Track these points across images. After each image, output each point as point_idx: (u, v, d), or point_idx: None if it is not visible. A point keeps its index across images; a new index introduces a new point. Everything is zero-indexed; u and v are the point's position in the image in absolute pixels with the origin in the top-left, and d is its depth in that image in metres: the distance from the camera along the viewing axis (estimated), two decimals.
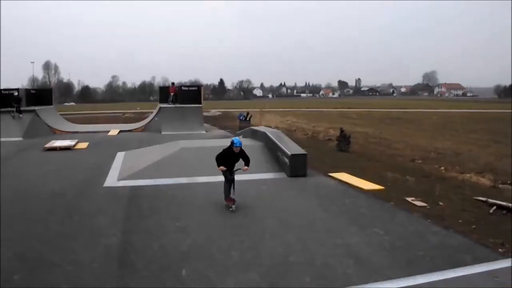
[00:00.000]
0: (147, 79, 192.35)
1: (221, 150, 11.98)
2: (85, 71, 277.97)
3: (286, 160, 16.11)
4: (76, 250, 8.75)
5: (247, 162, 11.87)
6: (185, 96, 36.49)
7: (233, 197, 11.70)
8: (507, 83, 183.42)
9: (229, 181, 11.82)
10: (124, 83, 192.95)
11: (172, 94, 37.37)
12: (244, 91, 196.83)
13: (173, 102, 36.79)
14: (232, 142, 11.82)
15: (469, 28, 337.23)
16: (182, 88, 38.01)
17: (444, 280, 1.44)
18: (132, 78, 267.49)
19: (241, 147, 11.78)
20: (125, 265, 8.01)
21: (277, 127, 32.80)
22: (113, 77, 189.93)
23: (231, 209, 11.55)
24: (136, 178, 15.40)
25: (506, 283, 1.44)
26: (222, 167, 11.69)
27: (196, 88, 38.68)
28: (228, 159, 11.76)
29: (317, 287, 7.15)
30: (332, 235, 9.64)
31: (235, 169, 11.92)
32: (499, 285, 1.43)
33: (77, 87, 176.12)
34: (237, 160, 11.90)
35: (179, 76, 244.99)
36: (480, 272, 1.53)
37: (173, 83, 40.10)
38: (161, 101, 37.71)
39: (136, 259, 8.28)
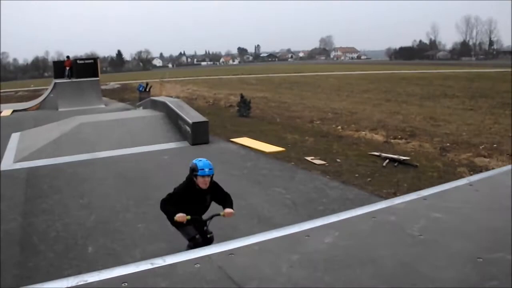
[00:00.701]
0: (40, 54, 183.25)
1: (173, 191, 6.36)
2: None
3: (188, 128, 16.10)
4: None
5: (228, 203, 6.31)
6: (81, 70, 34.94)
7: None
8: (397, 46, 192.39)
9: (197, 245, 5.85)
10: (15, 59, 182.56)
11: (67, 68, 35.89)
12: (143, 62, 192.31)
13: (69, 76, 35.35)
14: (195, 168, 5.99)
15: None
16: (78, 61, 36.45)
17: (326, 225, 1.56)
18: (24, 54, 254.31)
19: (212, 176, 6.11)
20: (28, 249, 7.74)
21: (178, 97, 32.50)
22: (3, 53, 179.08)
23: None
24: (34, 159, 14.75)
25: (381, 221, 1.60)
26: (180, 215, 5.83)
27: (92, 60, 37.15)
28: (190, 206, 6.06)
29: None
30: (235, 197, 9.77)
31: (207, 217, 6.21)
32: (376, 223, 1.59)
33: None
34: (207, 207, 6.36)
35: (75, 49, 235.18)
36: (360, 214, 1.68)
37: (68, 57, 38.45)
38: (56, 77, 35.96)
39: (39, 241, 8.03)
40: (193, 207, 6.03)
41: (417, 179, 11.16)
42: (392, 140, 16.35)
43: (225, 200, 6.31)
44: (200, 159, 6.09)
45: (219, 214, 6.12)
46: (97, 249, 7.55)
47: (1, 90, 65.39)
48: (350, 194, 9.92)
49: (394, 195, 9.75)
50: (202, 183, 5.95)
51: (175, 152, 15.04)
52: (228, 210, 6.10)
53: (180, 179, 11.30)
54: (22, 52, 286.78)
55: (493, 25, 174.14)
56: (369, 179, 11.13)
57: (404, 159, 12.75)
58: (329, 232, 1.79)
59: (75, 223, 8.79)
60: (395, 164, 12.55)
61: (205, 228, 6.17)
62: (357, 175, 11.50)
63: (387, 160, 12.83)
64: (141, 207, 9.59)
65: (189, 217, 5.85)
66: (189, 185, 6.09)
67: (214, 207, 6.21)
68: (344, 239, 1.76)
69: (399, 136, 17.01)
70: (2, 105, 37.72)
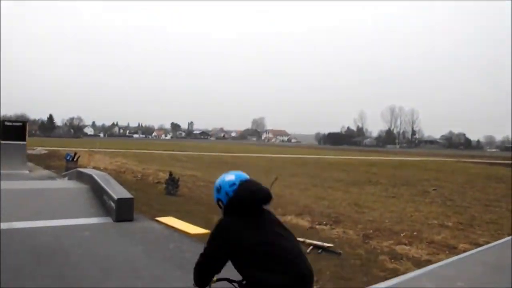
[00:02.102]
0: None
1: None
2: None
3: (112, 204, 15.74)
4: None
5: None
6: (8, 132, 33.75)
7: None
8: (326, 131, 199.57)
9: None
10: None
11: None
12: (75, 129, 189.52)
13: None
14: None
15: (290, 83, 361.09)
16: (5, 123, 35.33)
17: None
18: None
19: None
20: None
21: (105, 169, 31.94)
22: None
23: None
24: None
25: None
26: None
27: (21, 123, 36.14)
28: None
29: None
30: (157, 281, 9.57)
31: None
32: None
33: None
34: None
35: (5, 108, 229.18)
36: None
37: None
38: None
39: None
40: None
41: (340, 266, 11.24)
42: (317, 226, 16.51)
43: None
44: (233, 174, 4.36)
45: None
46: None
47: None
48: None
49: (317, 283, 9.76)
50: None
51: (97, 228, 14.56)
52: None
53: (100, 258, 10.99)
54: None
55: (415, 115, 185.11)
56: None
57: (327, 246, 12.87)
58: None
59: None
60: (319, 251, 12.64)
61: None
62: None
63: (311, 247, 12.89)
64: (56, 286, 9.13)
65: None
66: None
67: None
68: None
69: (324, 222, 17.20)
70: None
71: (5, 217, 14.74)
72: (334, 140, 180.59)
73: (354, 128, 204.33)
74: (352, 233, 15.51)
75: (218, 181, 4.15)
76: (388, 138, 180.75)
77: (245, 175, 4.14)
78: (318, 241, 13.43)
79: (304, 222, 17.10)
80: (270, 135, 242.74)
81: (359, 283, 9.99)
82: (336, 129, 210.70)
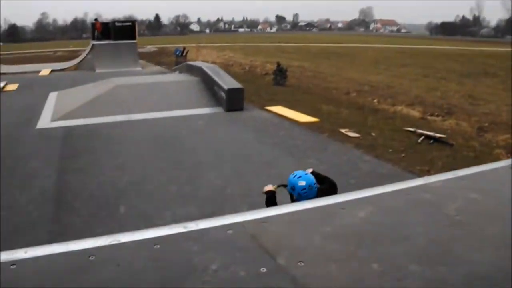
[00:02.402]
0: (79, 15, 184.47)
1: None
2: (11, 7, 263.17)
3: (223, 94, 16.10)
4: (9, 194, 8.54)
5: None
6: (119, 32, 35.11)
7: None
8: (439, 21, 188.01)
9: None
10: (54, 20, 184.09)
11: (97, 31, 36.19)
12: (181, 26, 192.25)
13: (99, 39, 35.58)
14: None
15: None
16: (116, 23, 36.59)
17: (361, 199, 1.55)
18: (63, 15, 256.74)
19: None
20: (62, 206, 7.94)
21: (214, 62, 32.45)
22: (43, 14, 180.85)
23: None
24: (70, 118, 15.02)
25: (416, 198, 1.58)
26: None
27: (130, 23, 37.28)
28: None
29: None
30: (267, 166, 9.86)
31: None
32: (410, 201, 1.57)
33: (3, 26, 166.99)
34: None
35: (113, 11, 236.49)
36: (395, 190, 1.65)
37: (96, 19, 38.73)
38: (94, 38, 36.31)
39: (73, 199, 8.23)
40: None
41: (452, 158, 10.96)
42: (428, 117, 16.08)
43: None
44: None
45: None
46: (129, 210, 7.68)
47: (41, 50, 66.48)
48: (383, 169, 9.83)
49: (428, 172, 9.62)
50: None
51: (210, 117, 15.09)
52: None
53: (213, 145, 11.42)
54: (61, 13, 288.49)
55: None
56: (402, 155, 10.99)
57: (439, 137, 12.52)
58: (363, 207, 1.76)
59: (108, 183, 8.95)
60: (430, 142, 12.35)
61: None
62: (390, 150, 11.37)
63: (422, 137, 12.62)
64: (174, 170, 9.70)
65: None
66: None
67: None
68: (378, 215, 1.74)
69: (436, 113, 16.69)
70: (41, 64, 38.32)
71: (125, 110, 15.66)
72: (447, 30, 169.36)
73: (470, 17, 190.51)
74: (465, 125, 14.94)
75: (292, 182, 4.88)
76: (508, 28, 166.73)
77: (311, 178, 4.83)
78: (430, 131, 13.08)
79: (415, 113, 16.67)
80: (379, 25, 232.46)
81: None
82: (450, 18, 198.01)
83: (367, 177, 9.23)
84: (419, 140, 12.40)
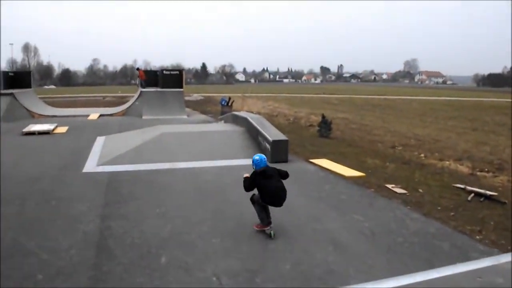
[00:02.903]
0: (129, 62, 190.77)
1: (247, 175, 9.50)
2: (66, 53, 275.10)
3: (268, 145, 16.07)
4: (53, 236, 8.61)
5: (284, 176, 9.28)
6: (167, 80, 36.06)
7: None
8: (485, 72, 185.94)
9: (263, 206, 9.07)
10: (105, 66, 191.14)
11: (140, 79, 37.50)
12: (227, 76, 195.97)
13: (143, 86, 36.64)
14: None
15: (450, 19, 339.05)
16: (164, 72, 37.56)
17: (426, 281, 1.42)
18: (113, 61, 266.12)
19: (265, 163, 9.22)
20: (104, 252, 7.91)
21: (258, 113, 32.70)
22: (94, 60, 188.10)
23: (268, 230, 8.87)
24: (116, 164, 15.24)
25: (490, 282, 1.43)
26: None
27: (177, 72, 38.20)
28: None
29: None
30: (312, 220, 9.65)
31: None
32: (482, 285, 1.43)
33: (57, 70, 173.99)
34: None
35: (161, 59, 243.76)
36: (463, 272, 1.51)
37: (138, 69, 40.01)
38: (139, 86, 37.30)
39: (115, 245, 8.19)
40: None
41: (505, 217, 10.47)
42: (478, 173, 15.58)
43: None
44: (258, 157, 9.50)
45: None
46: (170, 260, 7.57)
47: (91, 94, 68.63)
48: (432, 228, 9.47)
49: (479, 233, 9.25)
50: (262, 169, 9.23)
51: (253, 169, 14.99)
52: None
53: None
54: (112, 59, 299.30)
55: None
56: (452, 213, 10.60)
57: (491, 195, 12.06)
58: None
59: (150, 232, 8.89)
60: (481, 199, 11.89)
61: None
62: (439, 207, 11.00)
63: (472, 194, 12.18)
64: (217, 221, 9.59)
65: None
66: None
67: None
68: None
69: (486, 169, 16.18)
70: (90, 108, 39.50)
71: (170, 157, 15.80)
72: (494, 81, 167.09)
73: None
74: None
75: (253, 158, 9.42)
76: None
77: (263, 158, 9.36)
78: (480, 188, 12.65)
79: (463, 168, 16.21)
80: (424, 77, 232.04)
81: None
82: (497, 69, 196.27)
83: (415, 236, 8.92)
84: (469, 198, 11.97)
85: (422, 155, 18.77)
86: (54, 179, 13.38)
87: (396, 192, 12.26)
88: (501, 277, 1.80)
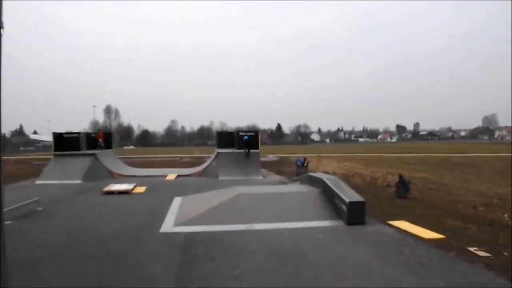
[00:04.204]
0: (205, 123, 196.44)
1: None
2: (144, 115, 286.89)
3: (344, 207, 15.91)
4: None
5: None
6: (242, 142, 36.93)
7: None
8: None
9: None
10: (182, 127, 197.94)
11: (99, 140, 39.19)
12: (302, 136, 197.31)
13: (101, 147, 37.97)
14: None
15: None
16: (239, 133, 38.51)
17: None
18: (190, 123, 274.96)
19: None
20: None
21: (334, 173, 32.58)
22: (172, 121, 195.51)
23: None
24: (193, 224, 15.49)
25: None
26: None
27: (253, 133, 39.02)
28: None
29: None
30: (389, 285, 9.44)
31: None
32: None
33: (136, 131, 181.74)
34: None
35: (237, 121, 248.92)
36: None
37: (99, 130, 41.49)
38: (219, 146, 38.23)
39: None
40: None
41: None
42: None
43: None
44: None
45: None
46: None
47: (168, 155, 70.76)
48: None
49: None
50: None
51: (330, 230, 14.86)
52: None
53: (333, 261, 11.25)
54: (189, 121, 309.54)
55: None
56: None
57: None
58: None
59: None
60: None
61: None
62: None
63: None
64: (292, 284, 9.54)
65: None
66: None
67: None
68: None
69: None
70: (168, 169, 40.78)
71: (245, 219, 15.97)
72: None
73: None
74: None
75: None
76: None
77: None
78: None
79: None
80: (504, 133, 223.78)
81: None
82: None
83: None
84: None
85: (506, 215, 18.00)
86: (131, 239, 13.73)
87: (478, 255, 11.81)
88: None
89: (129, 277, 10.04)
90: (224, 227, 15.12)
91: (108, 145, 40.11)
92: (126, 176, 34.90)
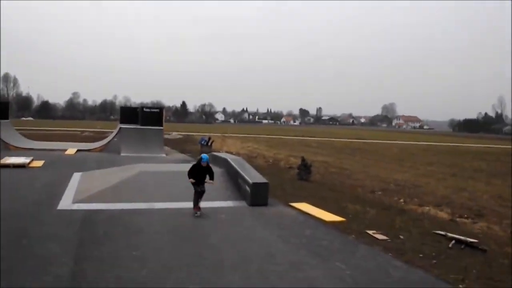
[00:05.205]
0: (109, 97, 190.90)
1: (191, 166, 14.44)
2: (45, 85, 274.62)
3: (247, 188, 15.87)
4: (22, 279, 8.17)
5: (211, 176, 14.13)
6: (147, 118, 35.82)
7: (199, 206, 13.94)
8: (461, 118, 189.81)
9: (198, 193, 14.00)
10: (85, 100, 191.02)
11: None
12: (206, 115, 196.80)
13: None
14: (200, 158, 14.23)
15: (425, 63, 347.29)
16: (144, 109, 37.43)
17: None
18: (93, 96, 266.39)
19: (207, 162, 14.03)
20: None
21: (238, 153, 32.63)
22: (74, 93, 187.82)
23: (196, 215, 13.73)
24: (92, 202, 14.92)
25: None
26: (191, 180, 13.88)
27: (157, 110, 38.15)
28: (197, 173, 13.89)
29: None
30: (293, 268, 9.41)
31: (204, 181, 13.98)
32: None
33: (36, 102, 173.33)
34: (205, 175, 13.98)
35: (141, 96, 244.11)
36: None
37: None
38: (122, 122, 36.95)
39: None
40: (199, 173, 13.94)
41: (487, 265, 10.35)
42: (457, 219, 15.55)
43: (211, 175, 14.14)
44: (203, 155, 14.34)
45: (208, 182, 14.02)
46: None
47: (69, 129, 68.14)
48: (415, 277, 9.29)
49: (463, 282, 9.12)
50: (202, 164, 13.89)
51: (233, 211, 14.79)
52: (210, 180, 14.11)
53: (236, 242, 11.10)
54: (91, 94, 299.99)
55: None
56: (434, 261, 10.45)
57: (471, 242, 11.96)
58: None
59: (126, 276, 8.51)
60: (462, 247, 11.78)
61: (201, 187, 14.01)
62: (421, 255, 10.85)
63: (453, 241, 12.08)
64: (194, 266, 9.26)
65: (194, 181, 13.85)
66: (198, 164, 14.10)
67: None
68: None
69: (465, 215, 16.17)
70: (68, 143, 39.10)
71: (147, 197, 15.52)
72: (470, 127, 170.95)
73: (492, 114, 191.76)
74: (497, 229, 14.34)
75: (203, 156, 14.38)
76: None
77: (207, 157, 14.31)
78: (460, 235, 12.57)
79: (443, 214, 16.17)
80: (401, 121, 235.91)
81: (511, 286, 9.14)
82: (472, 115, 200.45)
83: (399, 284, 8.75)
84: (450, 245, 11.88)
85: (402, 200, 18.73)
86: (26, 216, 12.99)
87: (377, 239, 12.12)
88: None
89: (24, 258, 9.38)
90: (125, 206, 14.68)
91: (4, 115, 37.59)
92: (23, 149, 32.95)
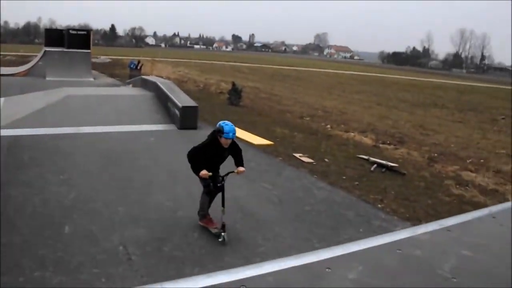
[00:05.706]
0: (33, 20, 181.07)
1: (196, 146, 7.72)
2: None
3: (177, 111, 15.81)
4: None
5: (239, 161, 7.63)
6: (73, 41, 34.22)
7: (222, 219, 7.27)
8: (390, 50, 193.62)
9: (211, 193, 7.68)
10: (6, 22, 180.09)
11: None
12: (136, 39, 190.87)
13: None
14: (221, 130, 7.20)
15: None
16: (70, 31, 35.74)
17: (348, 256, 1.39)
18: (15, 18, 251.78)
19: (233, 138, 7.37)
20: (2, 222, 7.41)
21: (168, 78, 32.11)
22: None
23: (219, 237, 7.19)
24: (17, 127, 14.33)
25: (407, 255, 1.43)
26: (204, 172, 7.26)
27: (85, 32, 36.49)
28: (211, 158, 7.45)
29: None
30: None
31: (224, 174, 7.53)
32: (402, 257, 1.42)
33: None
34: (224, 159, 7.65)
35: (68, 18, 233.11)
36: (384, 244, 1.51)
37: None
38: (47, 45, 35.16)
39: (15, 215, 7.70)
40: (214, 159, 7.42)
41: (405, 187, 11.03)
42: (380, 145, 16.24)
43: (239, 157, 7.62)
44: (226, 122, 7.36)
45: (233, 171, 7.51)
46: (74, 229, 7.25)
47: None
48: (337, 197, 9.76)
49: (381, 202, 9.64)
50: (225, 143, 7.23)
51: (162, 135, 14.76)
52: (240, 168, 7.49)
53: (165, 164, 11.11)
54: (13, 15, 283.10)
55: (486, 41, 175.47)
56: (356, 182, 10.98)
57: (392, 166, 12.61)
58: (352, 265, 1.55)
59: (53, 200, 8.47)
60: (383, 170, 12.41)
61: (222, 182, 7.42)
62: (344, 177, 11.35)
63: (375, 165, 12.69)
64: (123, 189, 9.32)
65: (211, 174, 7.26)
66: (213, 142, 7.33)
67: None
68: (369, 275, 1.53)
69: (388, 142, 16.90)
70: None
71: (74, 122, 15.15)
72: (398, 60, 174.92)
73: (420, 49, 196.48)
74: (416, 155, 15.14)
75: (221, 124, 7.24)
76: (455, 62, 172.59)
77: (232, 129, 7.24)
78: (381, 159, 13.17)
79: (367, 140, 16.80)
80: (333, 51, 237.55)
81: (424, 206, 9.76)
82: (401, 48, 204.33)
83: (322, 204, 9.17)
84: (372, 168, 12.46)
85: (329, 126, 19.24)
86: None
87: (303, 161, 12.49)
88: (419, 249, 1.79)
89: None
90: (52, 130, 14.27)
91: None
92: None
